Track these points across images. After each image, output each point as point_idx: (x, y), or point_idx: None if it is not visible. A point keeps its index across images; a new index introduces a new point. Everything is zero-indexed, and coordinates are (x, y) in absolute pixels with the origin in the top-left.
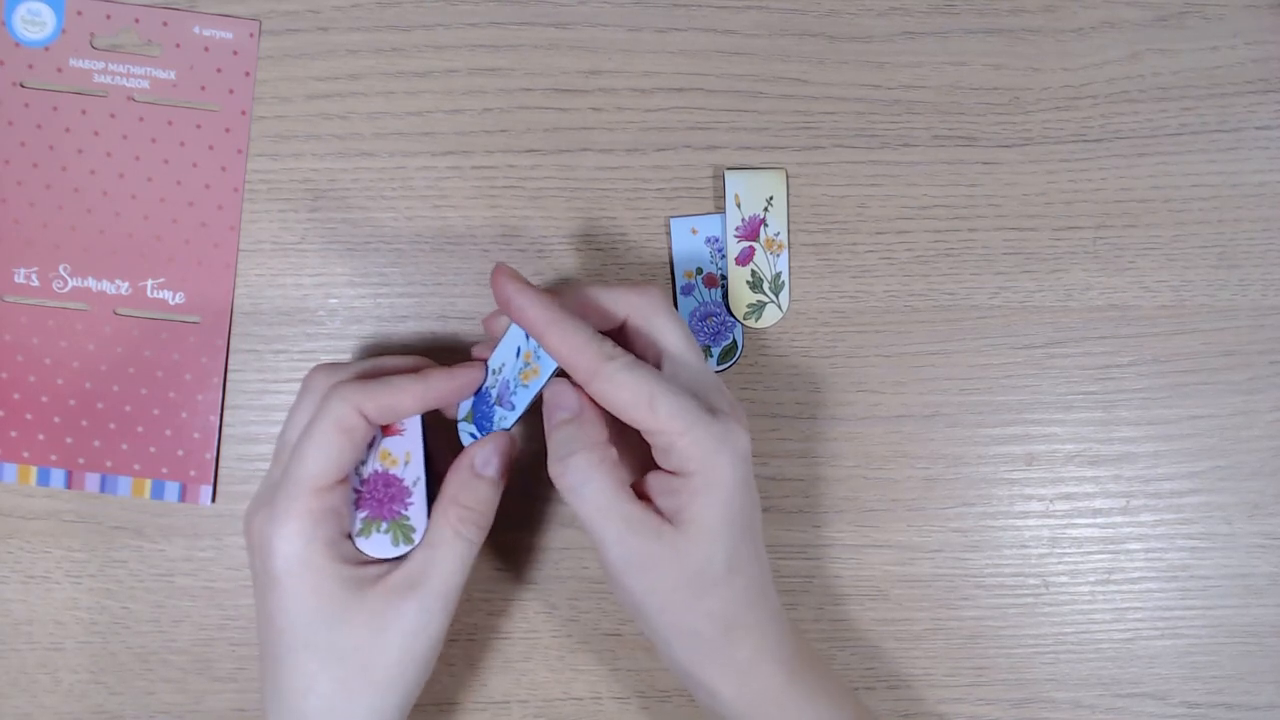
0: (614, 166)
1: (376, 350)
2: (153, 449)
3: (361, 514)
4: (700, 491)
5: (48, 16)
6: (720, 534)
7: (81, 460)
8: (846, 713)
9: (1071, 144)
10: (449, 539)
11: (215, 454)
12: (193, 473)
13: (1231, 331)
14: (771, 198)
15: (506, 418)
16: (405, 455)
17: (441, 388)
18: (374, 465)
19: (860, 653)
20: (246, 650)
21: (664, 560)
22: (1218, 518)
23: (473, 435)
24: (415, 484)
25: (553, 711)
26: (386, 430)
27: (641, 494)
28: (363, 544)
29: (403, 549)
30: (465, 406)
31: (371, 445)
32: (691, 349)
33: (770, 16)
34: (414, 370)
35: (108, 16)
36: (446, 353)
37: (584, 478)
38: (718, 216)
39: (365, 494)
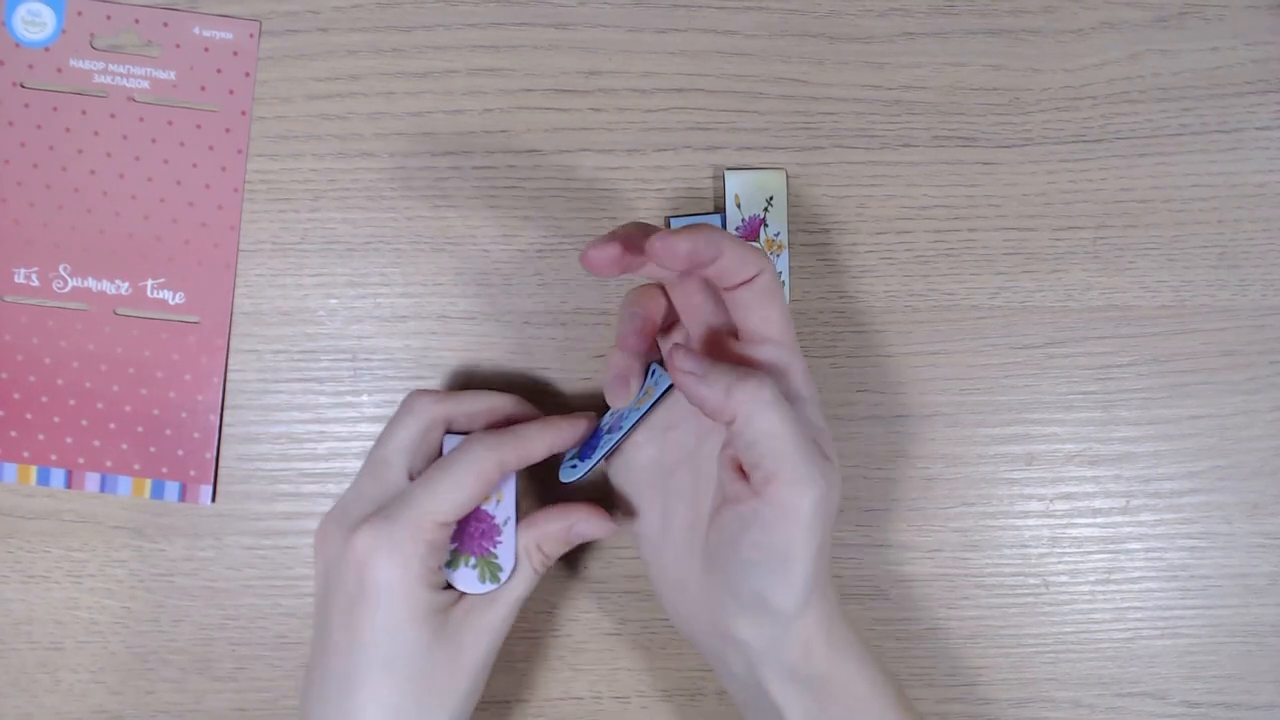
0: (614, 166)
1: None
2: (153, 449)
3: (451, 545)
4: (771, 509)
5: (48, 17)
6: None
7: (81, 460)
8: (879, 676)
9: (1071, 144)
10: (525, 572)
11: (215, 454)
12: (193, 473)
13: (1231, 331)
14: (771, 198)
15: (610, 440)
16: (498, 494)
17: (567, 437)
18: None
19: None
20: (246, 650)
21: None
22: (1218, 517)
23: (573, 466)
24: (505, 523)
25: (553, 711)
26: None
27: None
28: (451, 576)
29: (489, 586)
30: None
31: None
32: (813, 389)
33: (770, 17)
34: (518, 413)
35: (108, 17)
36: (447, 353)
37: (750, 398)
38: (717, 217)
39: (458, 529)
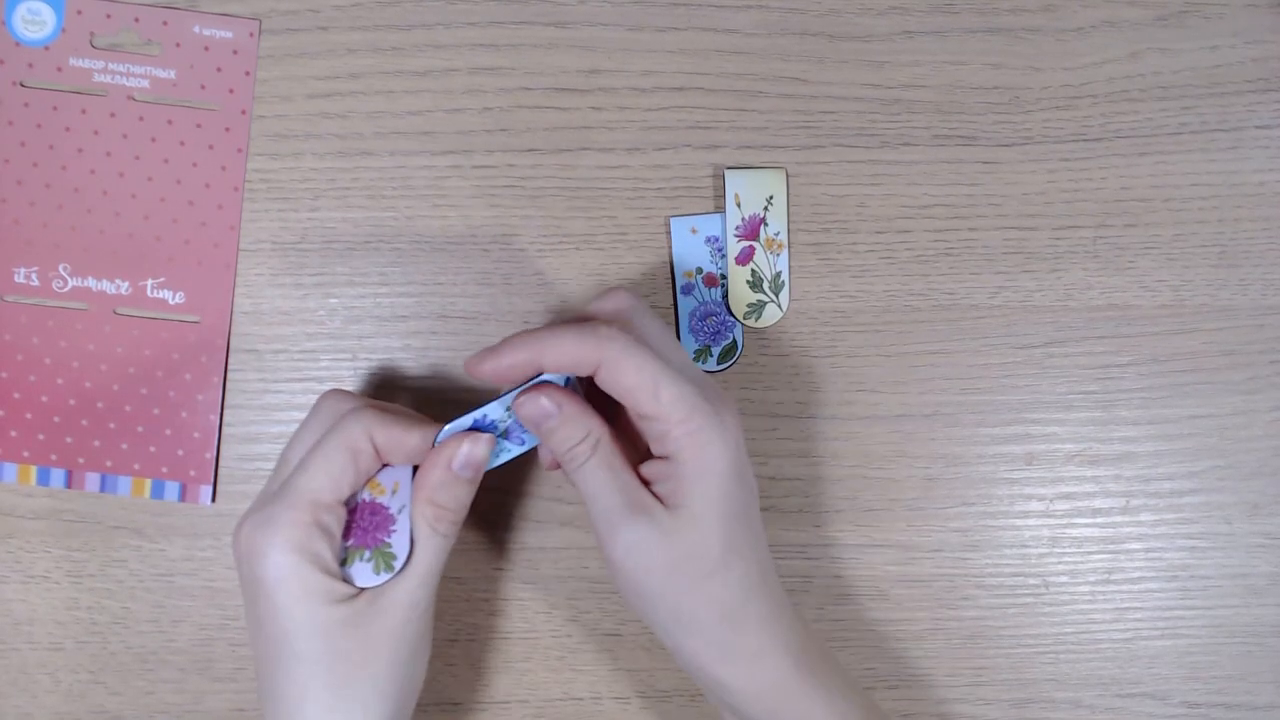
0: (614, 166)
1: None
2: (153, 449)
3: (347, 542)
4: (693, 478)
5: (48, 16)
6: (713, 519)
7: (81, 460)
8: (856, 706)
9: (1071, 143)
10: (425, 535)
11: (215, 454)
12: (193, 472)
13: (1231, 331)
14: (771, 197)
15: (510, 450)
16: (393, 485)
17: (447, 445)
18: (362, 495)
19: (860, 653)
20: (246, 650)
21: (658, 541)
22: (1218, 518)
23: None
24: (400, 512)
25: (553, 711)
26: None
27: (639, 479)
28: (347, 572)
29: (384, 577)
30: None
31: None
32: (672, 341)
33: (770, 16)
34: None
35: (108, 16)
36: (447, 353)
37: (581, 461)
38: (718, 216)
39: (352, 523)
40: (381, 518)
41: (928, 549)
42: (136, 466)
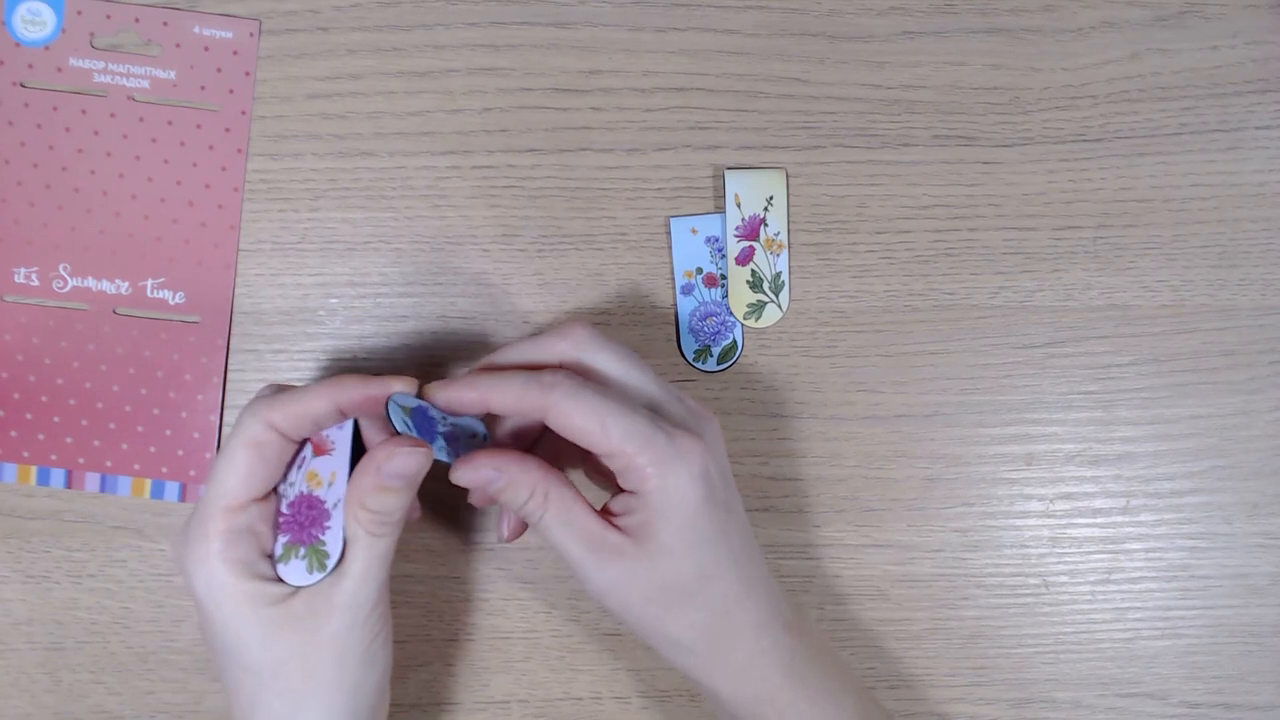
0: (614, 166)
1: (378, 353)
2: (153, 449)
3: (284, 538)
4: (657, 510)
5: (48, 16)
6: (681, 549)
7: (81, 460)
8: (848, 711)
9: (1071, 144)
10: (360, 536)
11: (215, 454)
12: (193, 473)
13: (1231, 331)
14: (771, 197)
15: (443, 453)
16: (330, 476)
17: (353, 391)
18: (300, 487)
19: (860, 653)
20: None
21: (629, 578)
22: (1218, 518)
23: (405, 424)
24: (335, 507)
25: (553, 711)
26: (318, 450)
27: (608, 513)
28: (282, 570)
29: (317, 576)
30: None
31: (301, 466)
32: (635, 367)
33: (770, 16)
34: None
35: (108, 16)
36: (447, 353)
37: (538, 517)
38: (718, 216)
39: (289, 517)
40: (317, 513)
41: (928, 549)
42: (136, 466)
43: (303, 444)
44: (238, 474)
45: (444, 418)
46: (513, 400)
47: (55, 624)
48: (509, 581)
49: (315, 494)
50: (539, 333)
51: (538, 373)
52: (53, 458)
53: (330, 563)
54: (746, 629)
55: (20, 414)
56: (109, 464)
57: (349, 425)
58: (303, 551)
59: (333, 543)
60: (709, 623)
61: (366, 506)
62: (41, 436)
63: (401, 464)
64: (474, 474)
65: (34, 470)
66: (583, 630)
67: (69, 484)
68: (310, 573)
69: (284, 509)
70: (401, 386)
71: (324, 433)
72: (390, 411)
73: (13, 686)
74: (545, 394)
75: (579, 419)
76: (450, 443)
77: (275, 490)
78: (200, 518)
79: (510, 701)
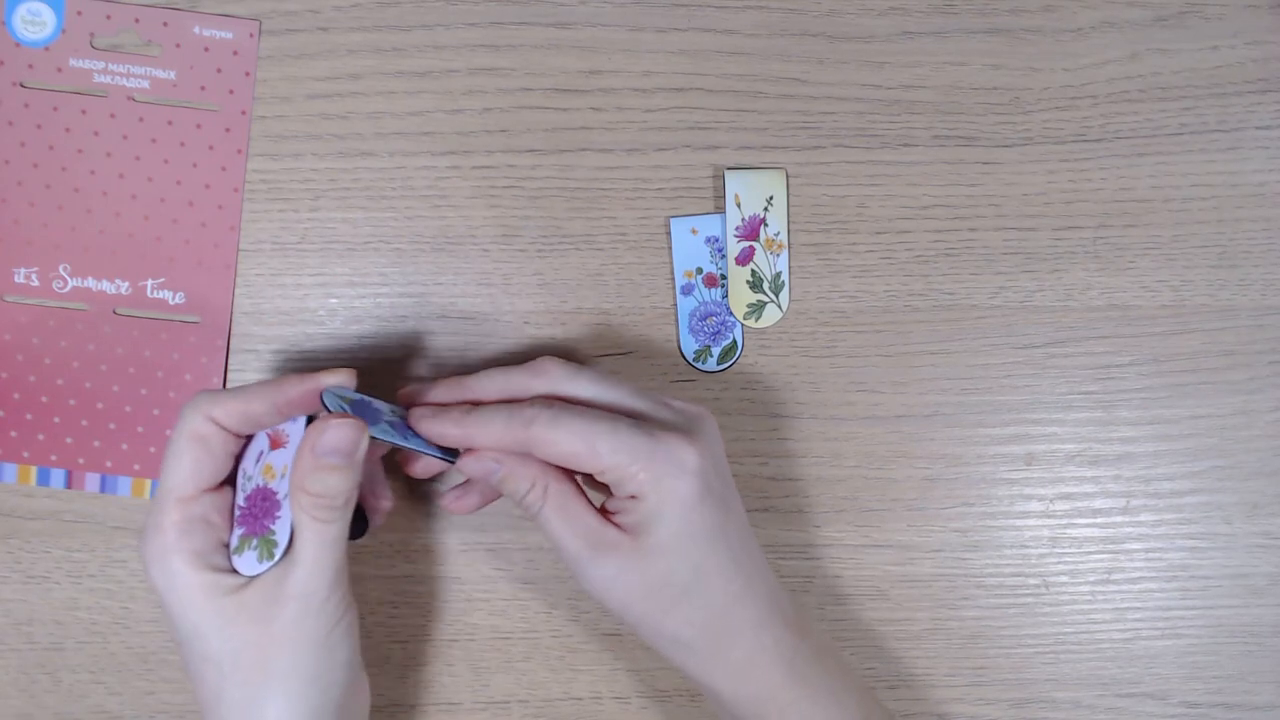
0: (614, 166)
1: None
2: (153, 449)
3: (239, 530)
4: (654, 510)
5: (48, 16)
6: (677, 546)
7: (81, 460)
8: (850, 711)
9: (1071, 144)
10: (305, 523)
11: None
12: None
13: (1231, 331)
14: (771, 197)
15: (389, 434)
16: (284, 468)
17: (292, 390)
18: (256, 480)
19: (860, 653)
20: None
21: (626, 574)
22: (1218, 518)
23: (342, 407)
24: (285, 497)
25: (553, 711)
26: (274, 444)
27: (606, 512)
28: (236, 561)
29: (265, 566)
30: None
31: (259, 460)
32: (612, 385)
33: (770, 16)
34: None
35: (108, 16)
36: (447, 354)
37: (537, 509)
38: (718, 216)
39: (246, 510)
40: (270, 503)
41: (928, 549)
42: (136, 467)
43: (253, 438)
44: (184, 467)
45: (391, 409)
46: (496, 438)
47: (55, 624)
48: (509, 581)
49: (269, 486)
50: (511, 365)
51: (518, 407)
52: (53, 458)
53: (278, 551)
54: (746, 626)
55: (20, 414)
56: (109, 464)
57: (303, 419)
58: (255, 542)
59: (281, 532)
60: (708, 620)
61: (307, 489)
62: (41, 437)
63: (334, 438)
64: (476, 465)
65: (34, 470)
66: (583, 630)
67: (69, 484)
68: (260, 562)
69: (241, 502)
70: (335, 379)
71: (280, 426)
72: (327, 402)
73: (13, 686)
74: (527, 427)
75: (565, 444)
76: (399, 430)
77: (233, 483)
78: (153, 514)
79: (510, 701)
